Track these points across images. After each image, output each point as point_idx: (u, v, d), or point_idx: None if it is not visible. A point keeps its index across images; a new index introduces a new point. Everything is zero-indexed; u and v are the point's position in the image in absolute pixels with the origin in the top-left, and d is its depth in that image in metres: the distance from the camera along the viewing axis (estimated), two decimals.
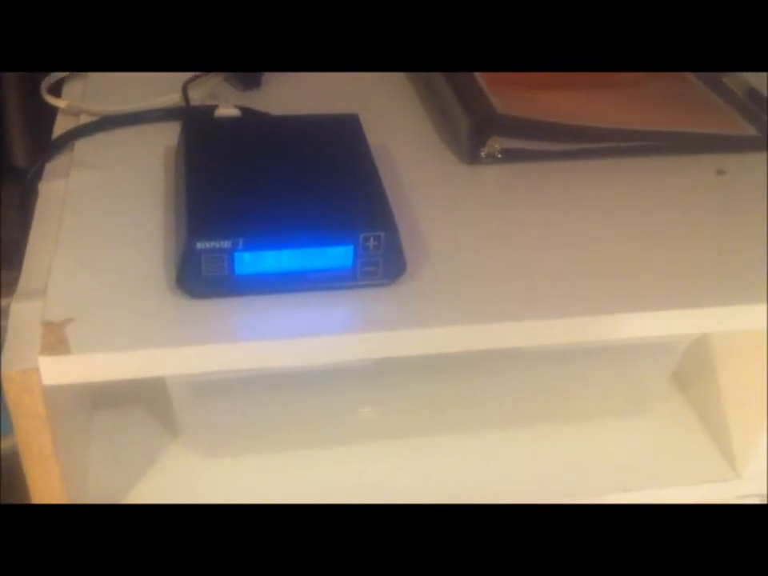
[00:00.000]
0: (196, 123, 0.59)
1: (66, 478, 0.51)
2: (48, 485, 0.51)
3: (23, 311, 0.48)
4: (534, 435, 0.67)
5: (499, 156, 0.63)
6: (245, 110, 0.63)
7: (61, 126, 0.65)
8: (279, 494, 0.60)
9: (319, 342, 0.49)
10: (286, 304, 0.50)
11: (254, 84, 0.70)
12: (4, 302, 0.92)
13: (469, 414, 0.66)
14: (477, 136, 0.63)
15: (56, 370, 0.46)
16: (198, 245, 0.48)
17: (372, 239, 0.50)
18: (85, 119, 0.65)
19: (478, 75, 0.68)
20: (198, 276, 0.49)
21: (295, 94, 0.70)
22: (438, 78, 0.70)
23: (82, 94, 0.69)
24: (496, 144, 0.63)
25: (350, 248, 0.50)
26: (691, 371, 0.70)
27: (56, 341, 0.46)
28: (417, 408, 0.65)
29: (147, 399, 0.64)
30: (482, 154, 0.63)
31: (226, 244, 0.48)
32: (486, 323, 0.51)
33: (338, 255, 0.50)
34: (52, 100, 0.67)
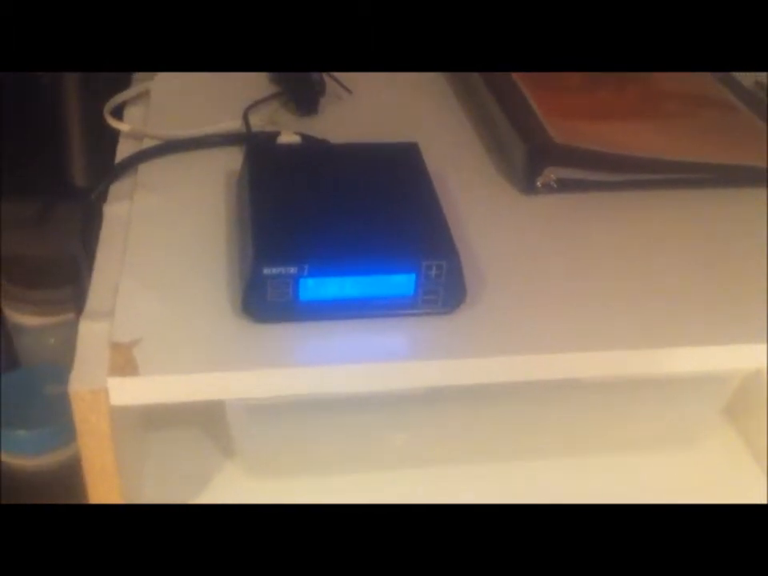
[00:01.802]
0: (259, 149, 0.60)
1: (124, 495, 0.52)
2: (108, 502, 0.51)
3: (91, 331, 0.49)
4: (577, 466, 0.66)
5: (555, 186, 0.64)
6: (305, 137, 0.64)
7: (123, 149, 0.66)
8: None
9: (379, 369, 0.50)
10: (347, 330, 0.51)
11: (312, 110, 0.71)
12: (57, 318, 0.93)
13: (514, 444, 0.67)
14: (533, 166, 0.63)
15: (124, 391, 0.47)
16: (265, 270, 0.49)
17: (434, 267, 0.50)
18: (147, 143, 0.67)
19: (533, 103, 0.69)
20: (263, 301, 0.49)
21: (351, 120, 0.71)
22: (491, 105, 0.71)
23: (143, 118, 0.70)
24: (552, 174, 0.63)
25: (412, 276, 0.50)
26: (744, 405, 0.69)
27: (124, 362, 0.47)
28: (464, 435, 0.65)
29: (202, 418, 0.65)
30: (538, 183, 0.64)
31: (292, 270, 0.49)
32: (543, 354, 0.51)
33: (400, 283, 0.50)
34: (115, 123, 0.68)
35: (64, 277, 0.90)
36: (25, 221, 0.72)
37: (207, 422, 0.65)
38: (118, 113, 0.71)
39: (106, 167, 0.64)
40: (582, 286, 0.56)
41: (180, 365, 0.47)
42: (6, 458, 0.91)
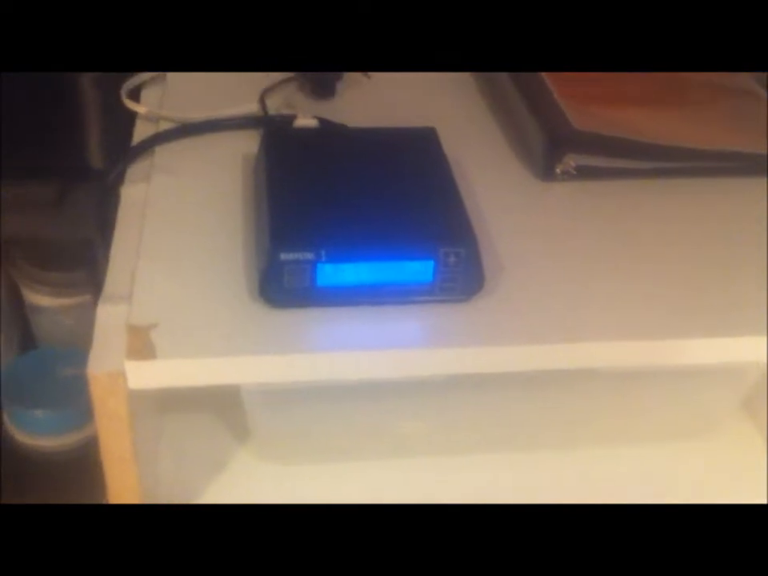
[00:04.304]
0: (276, 133, 0.60)
1: (140, 478, 0.52)
2: (125, 485, 0.52)
3: (109, 314, 0.49)
4: (593, 457, 0.66)
5: (574, 173, 0.63)
6: (322, 121, 0.63)
7: (140, 132, 0.66)
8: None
9: (395, 356, 0.50)
10: (364, 316, 0.51)
11: (329, 94, 0.71)
12: (73, 300, 0.94)
13: (529, 433, 0.66)
14: (552, 152, 0.63)
15: (141, 375, 0.47)
16: (282, 256, 0.48)
17: (452, 255, 0.50)
18: (163, 125, 0.66)
19: (553, 89, 0.68)
20: (280, 286, 0.49)
21: (368, 104, 0.71)
22: (510, 91, 0.70)
23: (160, 100, 0.70)
24: (571, 161, 0.63)
25: (430, 263, 0.50)
26: (762, 399, 0.69)
27: (142, 345, 0.47)
28: (478, 424, 0.65)
29: (217, 403, 0.65)
30: (557, 170, 0.63)
31: (309, 256, 0.49)
32: (560, 343, 0.51)
33: (418, 270, 0.50)
34: (132, 105, 0.68)
35: (80, 259, 0.90)
36: (42, 203, 0.71)
37: (222, 406, 0.65)
38: (134, 95, 0.71)
39: (123, 149, 0.64)
40: (600, 274, 0.55)
41: (197, 349, 0.47)
42: (20, 438, 0.91)
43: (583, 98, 0.68)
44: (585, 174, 0.63)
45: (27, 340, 1.01)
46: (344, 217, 0.51)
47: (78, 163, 0.73)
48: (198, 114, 0.66)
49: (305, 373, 0.49)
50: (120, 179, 0.62)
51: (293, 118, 0.63)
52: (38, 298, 0.96)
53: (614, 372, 0.60)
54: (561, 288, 0.54)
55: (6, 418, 0.92)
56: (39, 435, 0.91)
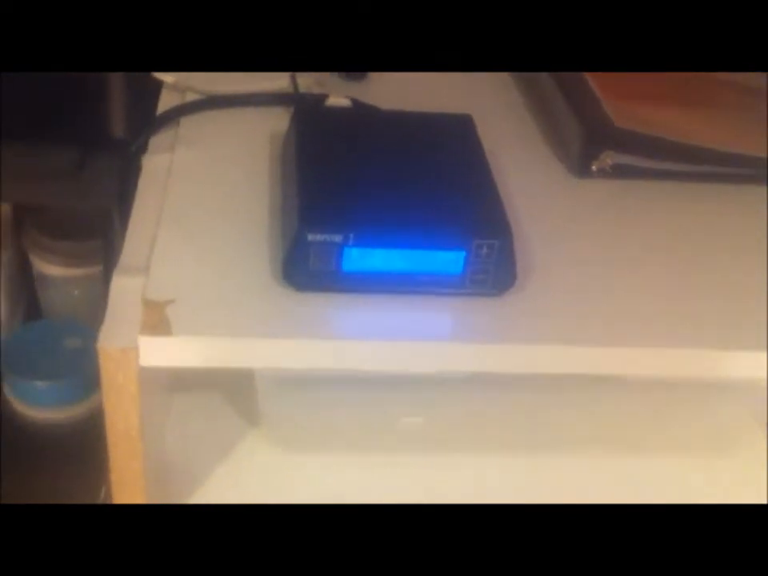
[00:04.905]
0: (308, 111, 0.58)
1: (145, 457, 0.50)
2: (129, 464, 0.50)
3: (124, 287, 0.47)
4: (608, 465, 0.64)
5: (610, 171, 0.61)
6: (355, 102, 0.61)
7: (166, 102, 0.64)
8: (339, 494, 0.59)
9: (418, 348, 0.48)
10: (390, 305, 0.49)
11: (360, 75, 0.69)
12: (82, 271, 0.92)
13: (543, 436, 0.64)
14: (590, 148, 0.61)
15: (155, 352, 0.45)
16: (309, 236, 0.46)
17: (485, 247, 0.48)
18: (190, 96, 0.64)
19: (592, 84, 0.66)
20: (305, 268, 0.47)
21: (400, 88, 0.68)
22: (547, 83, 0.68)
23: (190, 72, 0.68)
24: (609, 159, 0.61)
25: (462, 254, 0.48)
26: None
27: (157, 320, 0.45)
28: (493, 423, 0.63)
29: (228, 385, 0.63)
30: (593, 167, 0.61)
31: (337, 238, 0.47)
32: (592, 346, 0.49)
33: (448, 260, 0.48)
34: (158, 74, 0.66)
35: (93, 229, 0.88)
36: (60, 170, 0.69)
37: (235, 388, 0.63)
38: None
39: (147, 119, 0.62)
40: (633, 276, 0.53)
41: (214, 328, 0.45)
42: (20, 409, 0.90)
43: (623, 94, 0.66)
44: (621, 172, 0.61)
45: (33, 310, 0.99)
46: (375, 200, 0.49)
47: (99, 131, 0.70)
48: (226, 87, 0.64)
49: (323, 360, 0.47)
50: (143, 149, 0.60)
51: (324, 97, 0.61)
52: (47, 267, 0.94)
53: (635, 380, 0.59)
54: (593, 288, 0.52)
55: (6, 388, 0.90)
56: (40, 407, 0.90)
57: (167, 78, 0.66)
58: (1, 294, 0.93)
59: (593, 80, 0.67)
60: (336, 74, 0.69)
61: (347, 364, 0.48)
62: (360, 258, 0.47)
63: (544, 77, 0.69)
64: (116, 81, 0.69)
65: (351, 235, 0.47)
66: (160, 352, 0.45)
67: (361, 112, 0.61)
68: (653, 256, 0.55)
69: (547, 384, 0.59)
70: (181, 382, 0.63)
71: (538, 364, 0.49)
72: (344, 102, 0.61)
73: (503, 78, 0.73)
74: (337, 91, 0.64)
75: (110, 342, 0.45)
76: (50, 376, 0.89)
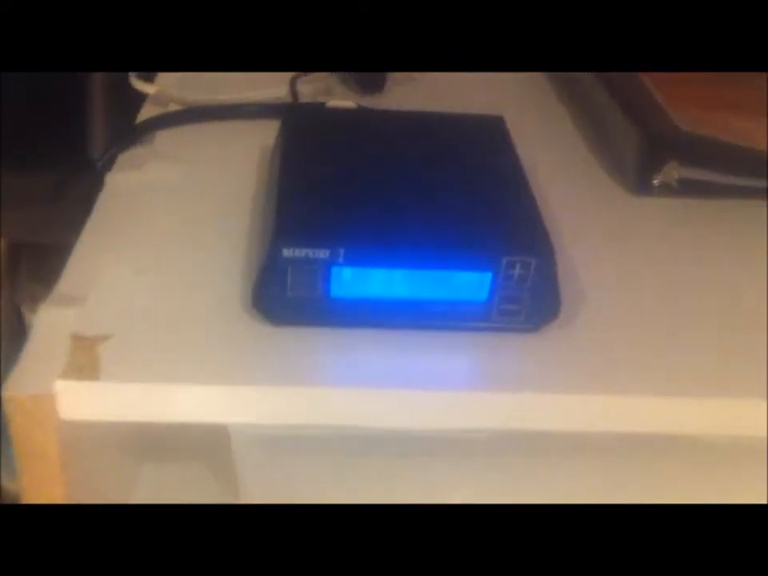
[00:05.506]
0: (300, 119, 0.48)
1: None
2: None
3: (50, 319, 0.37)
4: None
5: (676, 186, 0.50)
6: (359, 107, 0.51)
7: (146, 115, 0.55)
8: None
9: (432, 401, 0.37)
10: (392, 344, 0.38)
11: (376, 87, 0.59)
12: None
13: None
14: (651, 158, 0.50)
15: (78, 400, 0.34)
16: (285, 252, 0.36)
17: (518, 266, 0.37)
18: (174, 109, 0.55)
19: (650, 86, 0.55)
20: (282, 295, 0.37)
21: (422, 99, 0.59)
22: (595, 87, 0.58)
23: (176, 82, 0.59)
24: (674, 171, 0.50)
25: (488, 275, 0.37)
26: None
27: (85, 361, 0.35)
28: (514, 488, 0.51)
29: (206, 452, 0.52)
30: (655, 181, 0.50)
31: (322, 254, 0.36)
32: (655, 396, 0.38)
33: (470, 284, 0.37)
34: (140, 85, 0.57)
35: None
36: (36, 199, 0.61)
37: (212, 456, 0.51)
38: (150, 75, 0.60)
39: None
40: (702, 314, 0.42)
41: (157, 372, 0.35)
42: None
43: (689, 99, 0.55)
44: (689, 188, 0.51)
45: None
46: (375, 211, 0.39)
47: (77, 154, 0.62)
48: (215, 98, 0.56)
49: (307, 414, 0.37)
50: (110, 166, 0.51)
51: (321, 105, 0.52)
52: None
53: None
54: (651, 326, 0.41)
55: None
56: None
57: (149, 88, 0.57)
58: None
59: (650, 80, 0.56)
60: (347, 87, 0.60)
61: (338, 420, 0.37)
62: (353, 280, 0.37)
63: (586, 76, 0.58)
64: (97, 96, 0.61)
65: (341, 251, 0.36)
66: (85, 400, 0.35)
67: (365, 113, 0.51)
68: (725, 289, 0.44)
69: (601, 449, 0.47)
70: (150, 449, 0.52)
71: (584, 419, 0.37)
72: (347, 103, 0.51)
73: (538, 84, 0.63)
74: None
75: (21, 387, 0.34)
76: None
